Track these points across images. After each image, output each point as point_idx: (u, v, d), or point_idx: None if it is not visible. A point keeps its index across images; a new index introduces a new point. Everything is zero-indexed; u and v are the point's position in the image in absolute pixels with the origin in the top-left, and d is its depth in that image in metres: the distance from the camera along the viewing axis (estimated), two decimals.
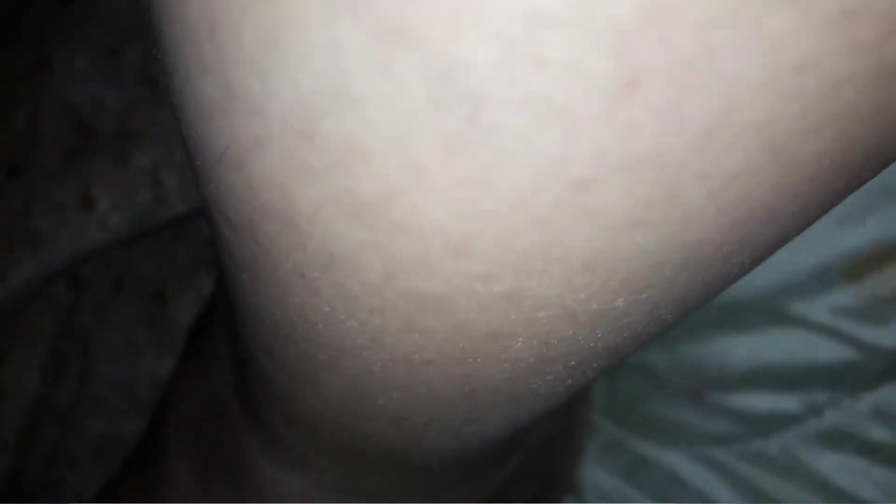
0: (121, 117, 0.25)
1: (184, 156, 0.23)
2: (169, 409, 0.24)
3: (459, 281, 0.09)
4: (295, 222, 0.09)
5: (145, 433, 0.25)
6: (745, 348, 0.28)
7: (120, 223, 0.24)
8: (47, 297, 0.25)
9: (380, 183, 0.08)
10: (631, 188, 0.08)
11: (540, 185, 0.07)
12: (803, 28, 0.07)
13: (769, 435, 0.29)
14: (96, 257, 0.25)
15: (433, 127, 0.07)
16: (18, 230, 0.24)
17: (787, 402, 0.28)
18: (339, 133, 0.07)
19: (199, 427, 0.22)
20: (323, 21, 0.07)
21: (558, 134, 0.07)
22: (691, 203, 0.08)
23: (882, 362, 0.28)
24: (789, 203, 0.09)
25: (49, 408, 0.25)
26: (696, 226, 0.08)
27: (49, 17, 0.25)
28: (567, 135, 0.07)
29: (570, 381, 0.12)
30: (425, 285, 0.09)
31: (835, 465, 0.28)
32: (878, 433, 0.28)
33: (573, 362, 0.11)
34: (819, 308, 0.27)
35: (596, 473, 0.29)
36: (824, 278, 0.27)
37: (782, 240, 0.10)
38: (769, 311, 0.28)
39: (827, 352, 0.28)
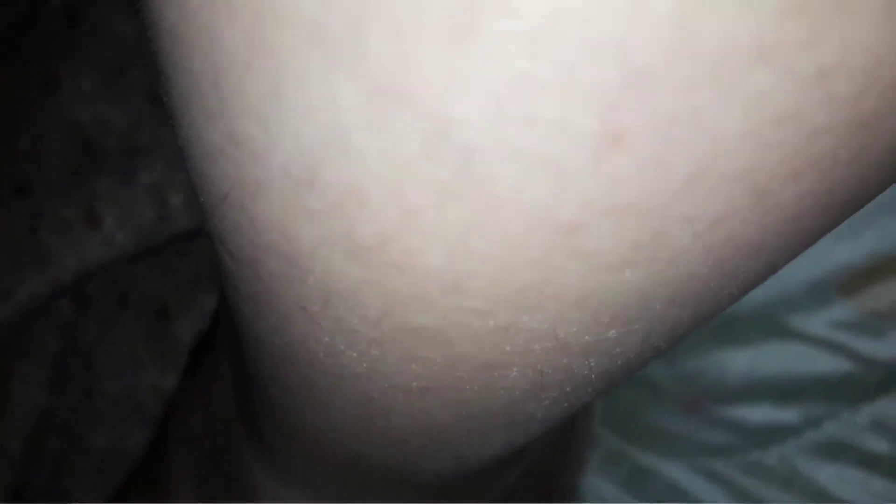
0: (126, 135, 0.25)
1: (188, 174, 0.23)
2: (172, 424, 0.24)
3: (455, 316, 0.09)
4: (295, 260, 0.09)
5: (149, 447, 0.25)
6: (743, 361, 0.29)
7: (125, 240, 0.25)
8: (52, 313, 0.25)
9: (377, 226, 0.08)
10: (618, 232, 0.08)
11: (530, 229, 0.08)
12: (782, 85, 0.07)
13: (768, 446, 0.29)
14: (101, 274, 0.25)
15: (427, 176, 0.07)
16: (25, 248, 0.24)
17: (786, 414, 0.29)
18: (338, 180, 0.08)
19: (202, 442, 0.22)
20: (323, 79, 0.07)
21: (546, 183, 0.07)
22: (678, 244, 0.08)
23: (879, 374, 0.28)
24: (775, 239, 0.09)
25: (54, 421, 0.26)
26: (684, 264, 0.09)
27: (55, 37, 0.25)
28: (555, 184, 0.07)
29: (566, 405, 0.12)
30: (422, 320, 0.09)
31: (833, 477, 0.28)
32: (877, 445, 0.28)
33: (568, 388, 0.11)
34: (816, 321, 0.28)
35: (597, 483, 0.30)
36: (821, 292, 0.27)
37: (770, 271, 0.10)
38: (767, 325, 0.28)
39: (825, 364, 0.28)
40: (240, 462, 0.19)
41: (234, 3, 0.07)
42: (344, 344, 0.10)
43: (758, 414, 0.28)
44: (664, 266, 0.09)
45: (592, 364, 0.10)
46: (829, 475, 0.28)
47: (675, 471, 0.29)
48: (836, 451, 0.28)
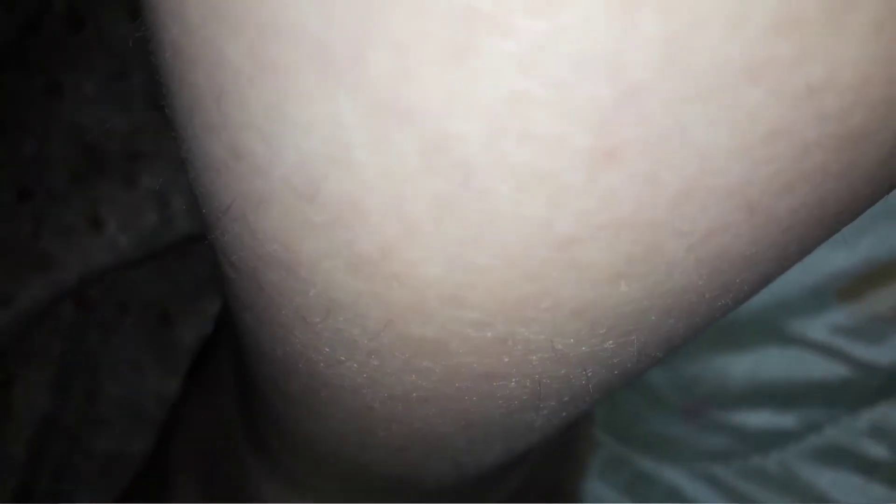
0: (128, 140, 0.26)
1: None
2: (175, 428, 0.24)
3: (453, 327, 0.09)
4: (296, 271, 0.09)
5: (152, 451, 0.25)
6: (743, 366, 0.29)
7: (127, 244, 0.25)
8: (55, 317, 0.25)
9: (377, 239, 0.08)
10: (613, 245, 0.08)
11: (528, 242, 0.08)
12: (772, 102, 0.07)
13: (768, 451, 0.29)
14: (103, 278, 0.25)
15: (427, 190, 0.08)
16: (28, 252, 0.24)
17: (786, 419, 0.29)
18: (340, 194, 0.08)
19: (205, 446, 0.23)
20: (324, 94, 0.07)
21: (543, 198, 0.07)
22: (672, 257, 0.08)
23: (879, 380, 0.28)
24: (768, 251, 0.09)
25: (57, 426, 0.26)
26: (678, 276, 0.09)
27: (58, 43, 0.25)
28: (551, 199, 0.07)
29: (564, 414, 0.12)
30: (421, 331, 0.09)
31: (833, 482, 0.28)
32: (876, 450, 0.28)
33: (566, 398, 0.11)
34: (816, 326, 0.28)
35: (598, 488, 0.30)
36: (820, 297, 0.27)
37: (764, 282, 0.10)
38: (767, 330, 0.28)
39: (824, 369, 0.28)
40: (243, 467, 0.19)
41: (237, 18, 0.07)
42: (344, 354, 0.10)
43: (758, 419, 0.28)
44: (659, 278, 0.09)
45: (589, 374, 0.11)
46: (829, 480, 0.28)
47: (676, 476, 0.29)
48: (836, 457, 0.28)
